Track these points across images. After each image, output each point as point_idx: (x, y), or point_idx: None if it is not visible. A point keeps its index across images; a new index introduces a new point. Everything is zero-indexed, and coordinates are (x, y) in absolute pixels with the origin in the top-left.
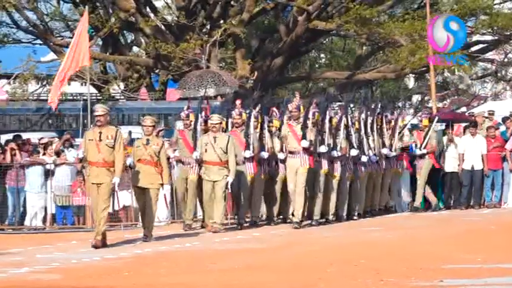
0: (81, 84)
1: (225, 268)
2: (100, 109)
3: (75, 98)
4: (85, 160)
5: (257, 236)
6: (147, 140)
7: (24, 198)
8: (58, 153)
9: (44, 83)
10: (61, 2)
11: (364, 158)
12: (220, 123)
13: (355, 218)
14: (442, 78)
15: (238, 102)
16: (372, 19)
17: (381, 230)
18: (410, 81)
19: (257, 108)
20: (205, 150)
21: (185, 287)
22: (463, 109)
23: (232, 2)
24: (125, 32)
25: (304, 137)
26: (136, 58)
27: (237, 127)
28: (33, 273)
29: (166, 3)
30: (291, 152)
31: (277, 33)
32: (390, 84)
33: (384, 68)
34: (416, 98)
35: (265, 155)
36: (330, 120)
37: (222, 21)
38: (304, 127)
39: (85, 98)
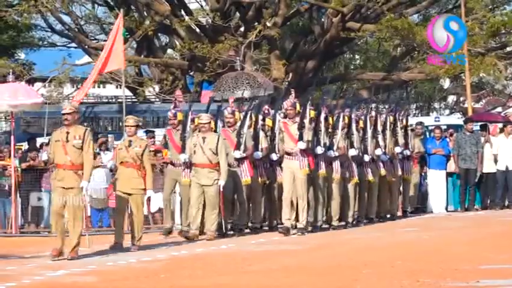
0: (116, 87)
1: (261, 269)
2: (68, 107)
3: (110, 100)
4: (51, 162)
5: (293, 238)
6: (130, 141)
7: None
8: (94, 156)
9: (79, 85)
10: (96, 5)
11: (366, 158)
12: (209, 122)
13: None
14: (478, 78)
15: (231, 100)
16: (406, 28)
17: (416, 230)
18: (446, 82)
19: (251, 106)
20: (194, 152)
21: None
22: (499, 109)
23: (266, 4)
24: (159, 34)
25: (300, 137)
26: (171, 60)
27: (229, 126)
28: (70, 276)
29: (201, 5)
30: (288, 153)
31: (312, 34)
32: (425, 85)
33: (419, 68)
34: (451, 98)
35: (259, 154)
36: (326, 119)
37: (256, 23)
38: (301, 127)
39: (120, 100)
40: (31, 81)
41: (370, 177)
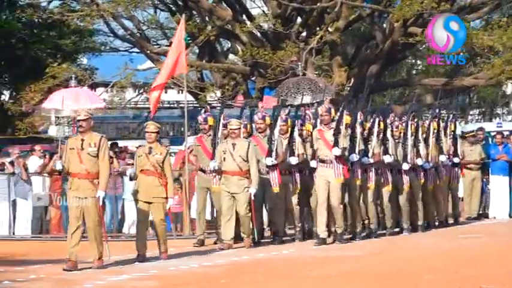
0: (178, 92)
1: (322, 275)
2: (82, 113)
3: (172, 105)
4: (65, 172)
5: (355, 243)
6: (150, 148)
7: (122, 206)
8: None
9: (141, 91)
10: (158, 11)
11: (405, 166)
12: (239, 128)
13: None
14: None
15: (260, 105)
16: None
17: (479, 236)
18: (509, 87)
19: (286, 111)
20: (224, 159)
21: None
22: None
23: (328, 9)
24: (221, 39)
25: (336, 143)
26: (233, 65)
27: (260, 132)
28: (132, 281)
29: (263, 10)
30: (322, 161)
31: (374, 40)
32: (488, 90)
33: (481, 74)
34: None
35: (293, 160)
36: (361, 125)
37: (318, 29)
38: (336, 133)
39: (182, 105)
40: (93, 86)
41: (407, 185)
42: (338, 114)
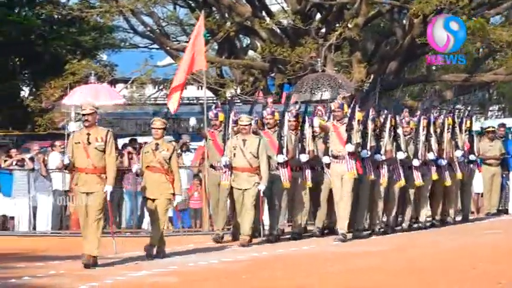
0: (198, 88)
1: (342, 270)
2: (88, 107)
3: (191, 102)
4: (71, 167)
5: (374, 239)
6: (156, 144)
7: (142, 202)
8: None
9: (161, 87)
10: (177, 7)
11: (416, 162)
12: (250, 124)
13: (414, 226)
14: None
15: (270, 100)
16: (480, 29)
17: (498, 232)
18: None
19: (296, 107)
20: (234, 155)
21: None
22: None
23: (347, 6)
24: (240, 36)
25: (349, 139)
26: (252, 62)
27: (269, 128)
28: (151, 277)
29: (282, 7)
30: (335, 157)
31: (393, 36)
32: (507, 85)
33: (501, 70)
34: None
35: (304, 157)
36: (373, 121)
37: (337, 25)
38: (349, 129)
39: (201, 101)
40: (113, 83)
41: (419, 181)
42: (350, 110)
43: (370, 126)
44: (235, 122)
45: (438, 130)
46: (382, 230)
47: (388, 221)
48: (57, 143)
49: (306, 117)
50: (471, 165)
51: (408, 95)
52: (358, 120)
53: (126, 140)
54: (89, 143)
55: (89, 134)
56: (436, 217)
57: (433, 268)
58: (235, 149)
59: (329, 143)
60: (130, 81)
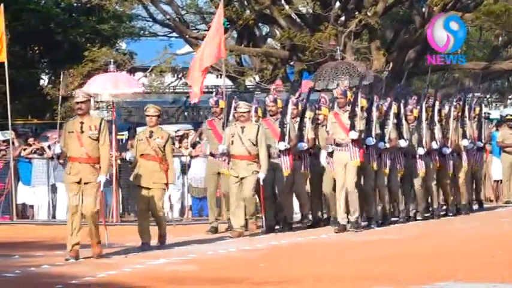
0: (217, 77)
1: (360, 259)
2: (81, 94)
3: (210, 90)
4: (64, 156)
5: (394, 227)
6: (151, 132)
7: None
8: (194, 145)
9: (180, 75)
10: None
11: (420, 151)
12: (249, 111)
13: (418, 218)
14: None
15: (272, 87)
16: (504, 13)
17: None
18: None
19: (297, 95)
20: (232, 143)
21: (319, 278)
22: None
23: None
24: (260, 24)
25: (352, 127)
26: (272, 50)
27: (271, 115)
28: (170, 265)
29: None
30: (337, 144)
31: (413, 24)
32: None
33: None
34: None
35: (303, 145)
36: (378, 108)
37: (357, 12)
38: (352, 116)
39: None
40: (132, 71)
41: (422, 170)
42: (353, 96)
43: (375, 113)
44: (236, 109)
45: (444, 118)
46: (381, 221)
47: (384, 211)
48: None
49: (307, 105)
50: (480, 153)
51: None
52: (362, 107)
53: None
54: (82, 132)
55: (82, 123)
56: (448, 207)
57: (453, 256)
58: (233, 137)
59: (332, 131)
60: (149, 70)
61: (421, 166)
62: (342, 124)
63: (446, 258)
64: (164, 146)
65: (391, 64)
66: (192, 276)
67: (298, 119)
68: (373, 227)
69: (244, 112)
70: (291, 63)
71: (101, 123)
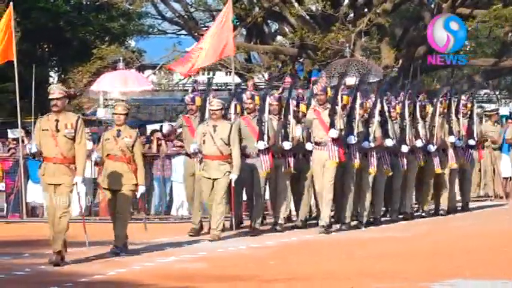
0: (226, 74)
1: (367, 256)
2: (57, 90)
3: (220, 87)
4: (39, 155)
5: (402, 224)
6: (118, 131)
7: (171, 188)
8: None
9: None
10: None
11: (404, 148)
12: (221, 109)
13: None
14: None
15: (250, 83)
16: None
17: None
18: None
19: (279, 90)
20: (204, 142)
21: (328, 275)
22: None
23: None
24: (269, 21)
25: (332, 125)
26: (281, 47)
27: (248, 113)
28: (180, 262)
29: None
30: (317, 143)
31: (422, 21)
32: None
33: None
34: None
35: (287, 145)
36: (362, 105)
37: (366, 10)
38: (332, 113)
39: (230, 87)
40: (141, 69)
41: (404, 168)
42: (333, 93)
43: (358, 110)
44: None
45: (429, 115)
46: (371, 220)
47: (375, 211)
48: (85, 129)
49: (290, 102)
50: (470, 151)
51: (436, 80)
52: (345, 105)
53: (155, 126)
54: (58, 130)
55: (57, 121)
56: (424, 207)
57: (458, 253)
58: (204, 136)
59: (311, 130)
60: (158, 67)
61: (403, 164)
62: (322, 122)
63: (450, 255)
64: (133, 146)
65: (400, 61)
66: (201, 274)
67: (281, 115)
68: (344, 228)
69: (217, 110)
70: (301, 60)
71: (77, 121)
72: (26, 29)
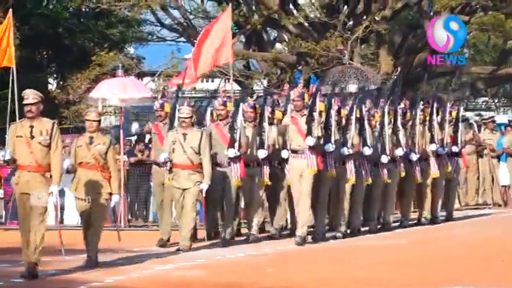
0: (224, 81)
1: (366, 264)
2: (31, 95)
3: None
4: (13, 162)
5: (398, 232)
6: (91, 138)
7: None
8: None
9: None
10: (205, 0)
11: (384, 159)
12: (191, 117)
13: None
14: None
15: (221, 90)
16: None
17: None
18: None
19: (254, 97)
20: (173, 150)
21: (326, 283)
22: None
23: None
24: (268, 28)
25: (309, 132)
26: (280, 55)
27: (220, 120)
28: (178, 270)
29: (310, 0)
30: (294, 151)
31: (421, 28)
32: None
33: None
34: None
35: (262, 153)
36: (338, 112)
37: (364, 17)
38: (309, 120)
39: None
40: (140, 76)
41: (384, 178)
42: (310, 100)
43: (334, 117)
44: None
45: (410, 122)
46: (349, 231)
47: (353, 221)
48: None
49: (265, 109)
50: (455, 159)
51: (435, 87)
52: (321, 112)
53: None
54: (32, 137)
55: (32, 127)
56: (405, 216)
57: (459, 260)
58: (174, 144)
59: (287, 137)
60: (157, 74)
61: (383, 174)
62: (299, 129)
63: (451, 262)
64: (106, 153)
65: (399, 69)
66: (199, 281)
67: (256, 123)
68: (317, 238)
69: (187, 118)
70: (299, 67)
71: (52, 128)
72: (25, 35)
